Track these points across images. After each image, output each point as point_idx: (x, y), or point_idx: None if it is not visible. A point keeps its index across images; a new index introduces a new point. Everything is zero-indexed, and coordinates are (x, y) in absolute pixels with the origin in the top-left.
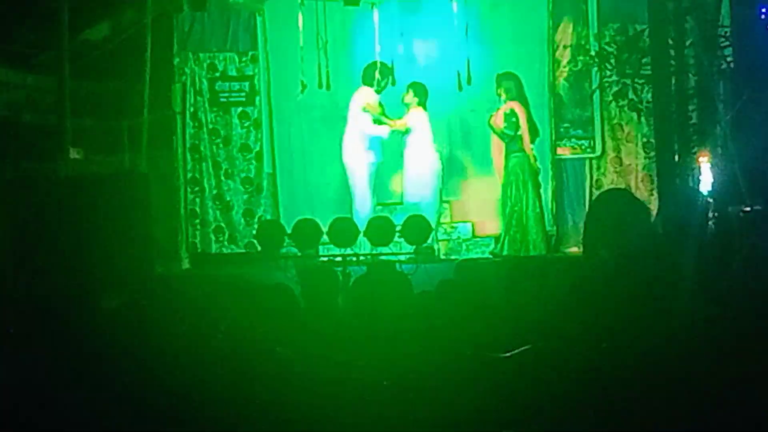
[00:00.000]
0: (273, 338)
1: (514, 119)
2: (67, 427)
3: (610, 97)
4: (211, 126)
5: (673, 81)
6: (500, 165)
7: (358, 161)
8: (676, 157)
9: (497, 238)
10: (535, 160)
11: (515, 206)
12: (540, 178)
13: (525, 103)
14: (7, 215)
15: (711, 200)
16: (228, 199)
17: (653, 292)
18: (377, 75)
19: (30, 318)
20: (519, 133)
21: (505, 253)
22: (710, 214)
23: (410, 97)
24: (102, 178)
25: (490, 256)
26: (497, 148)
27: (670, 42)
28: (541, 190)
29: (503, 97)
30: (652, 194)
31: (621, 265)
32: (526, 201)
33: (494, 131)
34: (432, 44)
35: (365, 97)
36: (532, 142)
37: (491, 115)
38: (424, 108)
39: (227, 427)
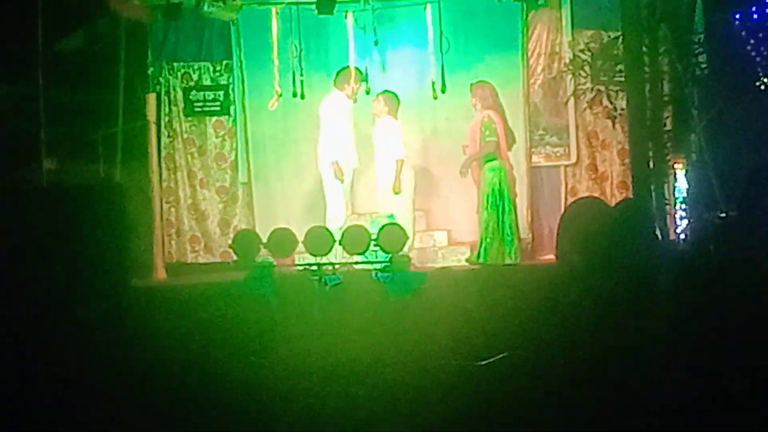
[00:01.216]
0: (249, 347)
1: (492, 126)
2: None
3: (585, 105)
4: (185, 135)
5: (648, 88)
6: (477, 174)
7: (330, 169)
8: (651, 164)
9: (473, 246)
10: (512, 168)
11: (492, 214)
12: (516, 186)
13: (501, 111)
14: None
15: (686, 207)
16: (203, 208)
17: (626, 298)
18: (351, 81)
19: (4, 330)
20: (496, 139)
21: (481, 260)
22: (685, 221)
23: (381, 106)
24: (76, 188)
25: (466, 264)
26: (474, 157)
27: (644, 49)
28: (517, 199)
29: (478, 106)
30: None
31: (593, 272)
32: (502, 209)
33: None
34: (406, 53)
35: (336, 103)
36: (510, 149)
37: (469, 125)
38: (395, 117)
39: None
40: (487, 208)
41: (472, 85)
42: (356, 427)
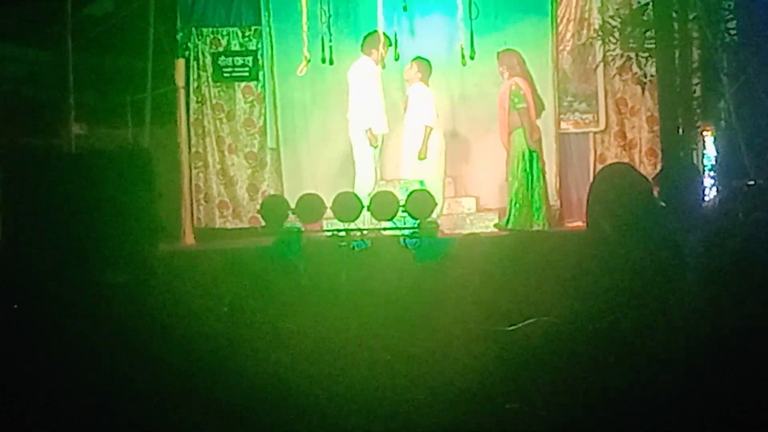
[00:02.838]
0: (277, 313)
1: (521, 94)
2: (68, 399)
3: (614, 71)
4: (214, 101)
5: (677, 54)
6: (506, 140)
7: (362, 135)
8: (680, 131)
9: (501, 213)
10: (541, 134)
11: (521, 181)
12: (544, 153)
13: (529, 78)
14: (8, 190)
15: (714, 174)
16: (232, 174)
17: (655, 266)
18: (379, 46)
19: (34, 293)
20: (525, 106)
21: (509, 226)
22: (714, 188)
23: (413, 72)
24: (105, 153)
25: (495, 230)
26: (503, 123)
27: (674, 15)
28: (546, 165)
29: (506, 74)
30: (656, 168)
31: (623, 239)
32: (531, 175)
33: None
34: (435, 18)
35: (364, 68)
36: (538, 116)
37: (498, 93)
38: (426, 84)
39: (231, 399)
40: (516, 174)
41: (499, 53)
42: (381, 392)
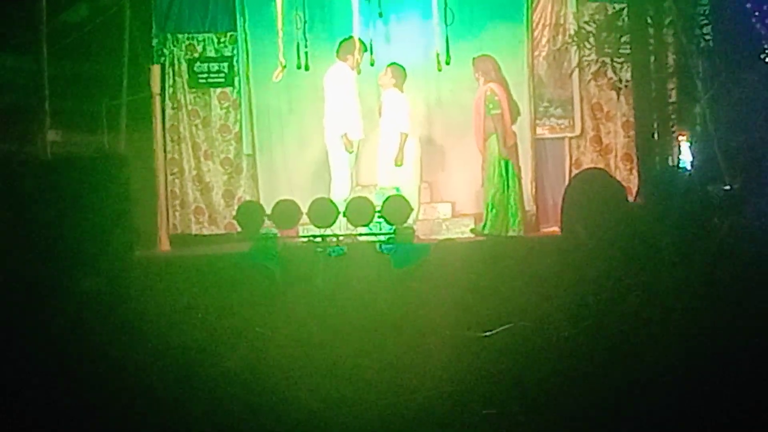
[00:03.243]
0: (253, 318)
1: (496, 99)
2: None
3: (590, 77)
4: (190, 107)
5: (652, 60)
6: (482, 146)
7: (337, 141)
8: (656, 136)
9: (477, 218)
10: (516, 140)
11: (497, 186)
12: (520, 158)
13: (504, 83)
14: None
15: (690, 179)
16: (207, 180)
17: (630, 270)
18: (354, 52)
19: (8, 300)
20: (500, 112)
21: (485, 232)
22: (689, 192)
23: (387, 78)
24: (80, 159)
25: (471, 235)
26: (478, 129)
27: (649, 21)
28: (522, 171)
29: (481, 80)
30: (631, 173)
31: (598, 244)
32: (506, 181)
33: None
34: (411, 24)
35: (340, 74)
36: (514, 122)
37: (473, 98)
38: (401, 90)
39: (206, 404)
40: (492, 179)
41: (474, 59)
42: (359, 397)
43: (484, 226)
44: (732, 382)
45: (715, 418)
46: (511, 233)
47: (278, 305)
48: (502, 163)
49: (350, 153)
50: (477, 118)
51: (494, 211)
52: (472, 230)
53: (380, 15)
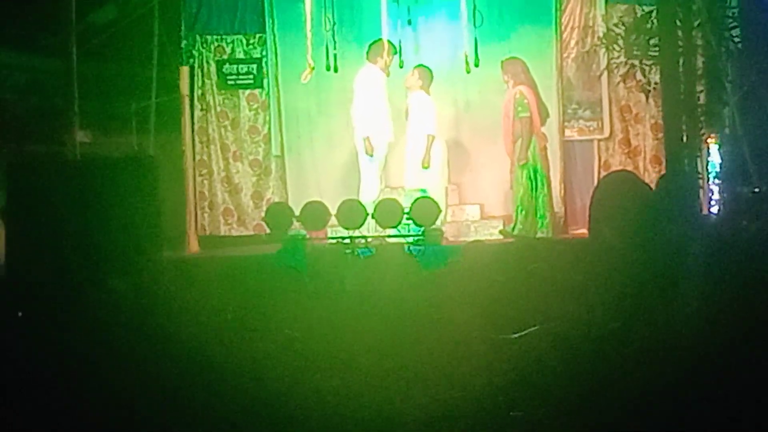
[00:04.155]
0: (281, 320)
1: (525, 102)
2: (73, 406)
3: (618, 79)
4: (219, 109)
5: (681, 62)
6: (511, 149)
7: (366, 142)
8: (685, 139)
9: (506, 220)
10: (546, 142)
11: (526, 188)
12: (549, 160)
13: (533, 86)
14: (13, 199)
15: (719, 181)
16: (236, 181)
17: (658, 273)
18: (384, 54)
19: (38, 301)
20: (529, 114)
21: (514, 233)
22: (719, 196)
23: (414, 80)
24: (109, 161)
25: (499, 237)
26: (507, 132)
27: (678, 23)
28: (551, 173)
29: (510, 82)
30: (660, 176)
31: (625, 247)
32: (535, 183)
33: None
34: (439, 25)
35: (370, 76)
36: (543, 124)
37: (503, 101)
38: (427, 92)
39: (234, 408)
40: (520, 181)
41: (503, 61)
42: (386, 399)
43: (513, 227)
44: (763, 382)
45: (748, 419)
46: (539, 235)
47: (306, 307)
48: (531, 166)
49: (370, 156)
50: (506, 120)
51: (523, 212)
52: (500, 232)
53: (409, 22)
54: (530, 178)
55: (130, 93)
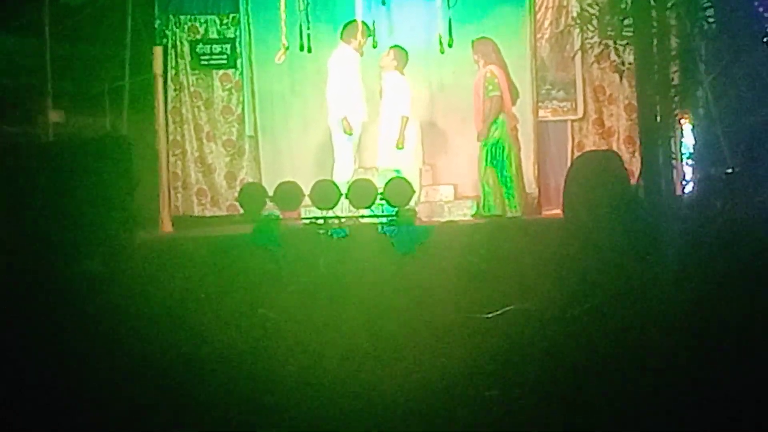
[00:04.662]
0: (255, 300)
1: (495, 81)
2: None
3: (592, 59)
4: (192, 89)
5: (655, 42)
6: (481, 128)
7: (340, 123)
8: (658, 119)
9: (479, 201)
10: (516, 122)
11: (492, 167)
12: (521, 141)
13: (504, 66)
14: None
15: (693, 162)
16: (210, 162)
17: (632, 252)
18: (358, 34)
19: (10, 282)
20: (499, 94)
21: (486, 213)
22: (692, 176)
23: (389, 60)
24: (82, 141)
25: (472, 218)
26: (478, 111)
27: (652, 3)
28: (521, 153)
29: (480, 62)
30: (633, 156)
31: (599, 226)
32: (501, 162)
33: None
34: (413, 6)
35: (344, 56)
36: (514, 104)
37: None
38: (402, 72)
39: (209, 385)
40: (486, 161)
41: (473, 41)
42: (359, 378)
43: (483, 207)
44: (733, 360)
45: (720, 395)
46: (509, 215)
47: (280, 287)
48: (493, 143)
49: (349, 135)
50: (477, 100)
51: (489, 191)
52: (474, 214)
53: (383, 2)
54: (493, 155)
55: (103, 73)
